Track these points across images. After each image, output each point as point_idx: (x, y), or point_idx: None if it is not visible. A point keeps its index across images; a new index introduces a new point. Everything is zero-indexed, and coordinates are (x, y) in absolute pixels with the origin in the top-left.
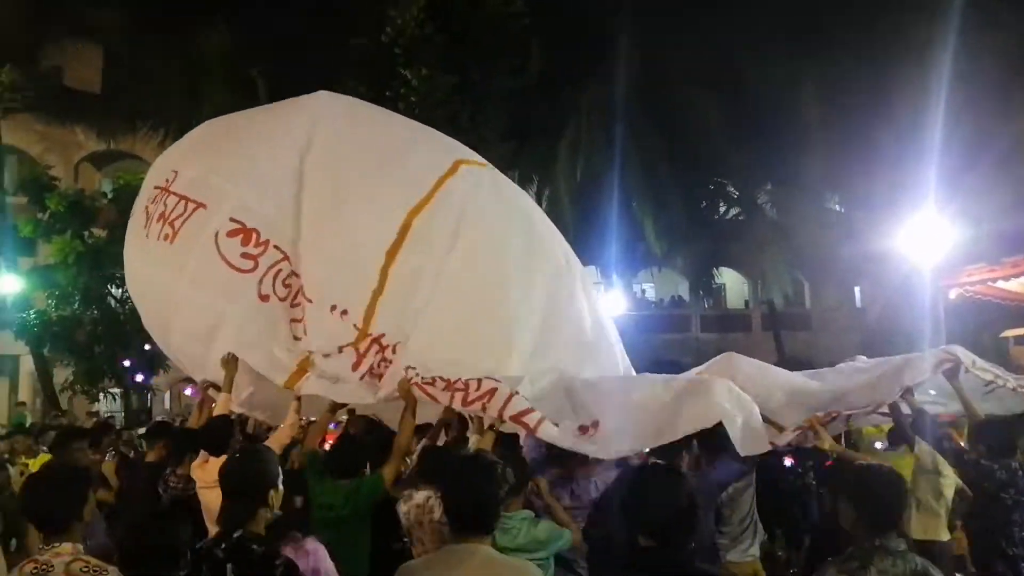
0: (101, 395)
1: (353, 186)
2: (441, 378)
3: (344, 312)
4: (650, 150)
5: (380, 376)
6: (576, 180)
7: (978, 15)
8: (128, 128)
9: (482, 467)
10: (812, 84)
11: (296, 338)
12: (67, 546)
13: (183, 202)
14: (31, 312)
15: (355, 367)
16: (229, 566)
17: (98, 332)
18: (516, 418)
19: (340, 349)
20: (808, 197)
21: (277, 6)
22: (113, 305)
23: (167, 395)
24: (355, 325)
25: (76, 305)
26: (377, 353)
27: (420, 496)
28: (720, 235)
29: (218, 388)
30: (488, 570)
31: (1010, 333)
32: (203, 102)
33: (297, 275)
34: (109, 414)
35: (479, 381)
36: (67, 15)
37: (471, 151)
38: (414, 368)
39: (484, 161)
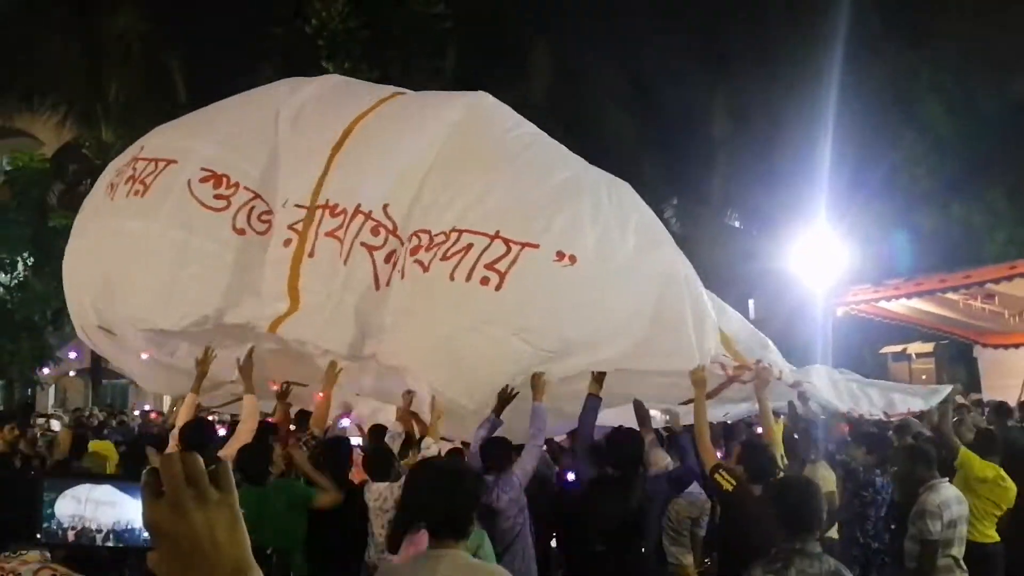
0: None
1: (312, 116)
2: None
3: (285, 201)
4: None
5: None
6: None
7: (864, 48)
8: (25, 107)
9: (454, 475)
10: (717, 104)
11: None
12: (35, 553)
13: (152, 163)
14: None
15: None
16: None
17: None
18: (490, 265)
19: (291, 227)
20: (710, 212)
21: None
22: (0, 293)
23: (52, 389)
24: (297, 204)
25: None
26: (340, 217)
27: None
28: None
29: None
30: (463, 574)
31: (889, 349)
32: (109, 84)
33: (273, 212)
34: None
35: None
36: None
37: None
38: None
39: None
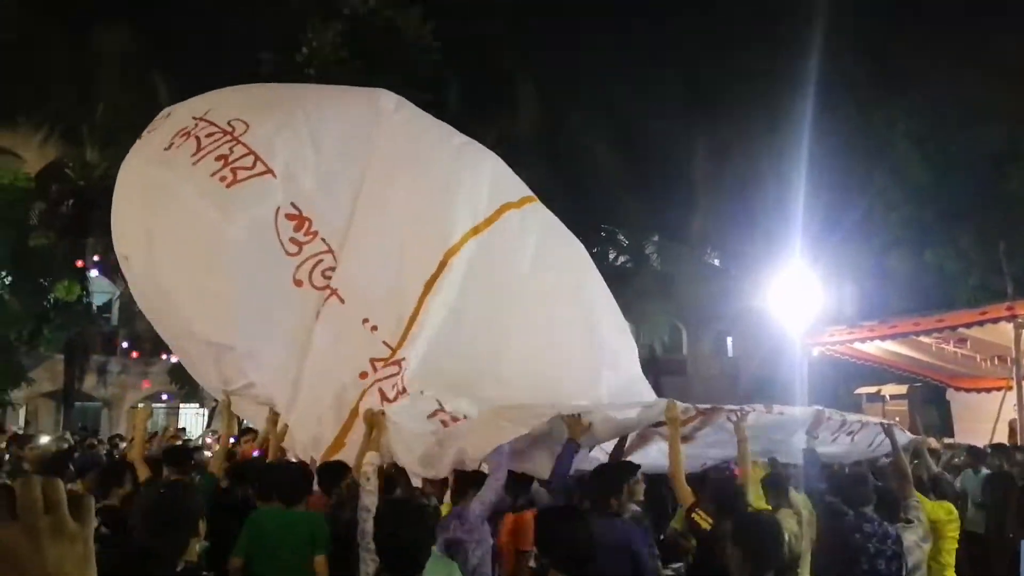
0: None
1: (403, 206)
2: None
3: (374, 328)
4: (547, 192)
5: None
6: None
7: (841, 93)
8: (7, 124)
9: (411, 510)
10: (698, 146)
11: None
12: None
13: (253, 157)
14: None
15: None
16: None
17: None
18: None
19: (372, 363)
20: (690, 251)
21: (182, 12)
22: None
23: (22, 411)
24: (385, 343)
25: None
26: (395, 376)
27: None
28: (608, 280)
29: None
30: None
31: (863, 390)
32: (96, 102)
33: (335, 270)
34: None
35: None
36: None
37: (516, 183)
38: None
39: (529, 195)
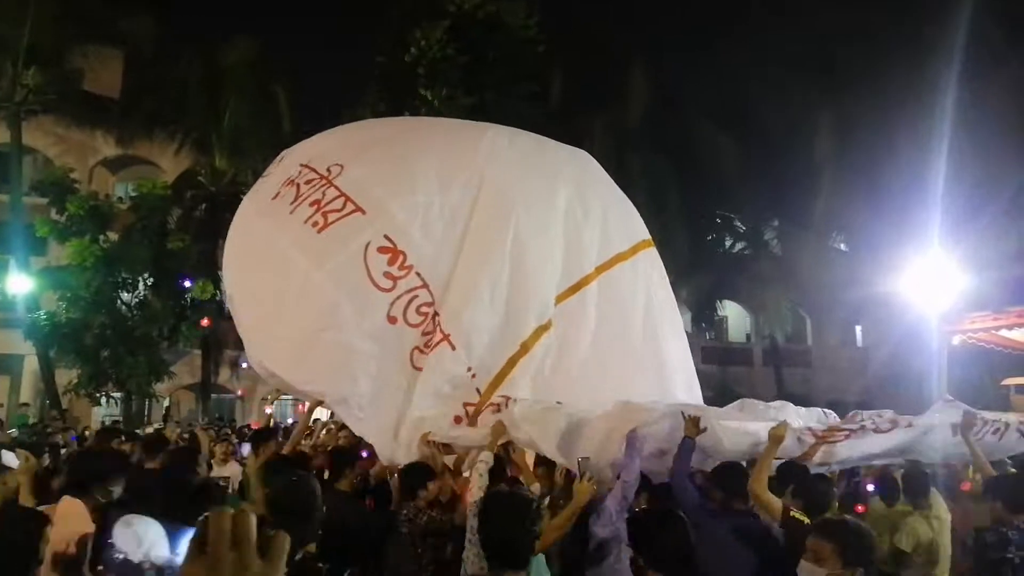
0: (103, 399)
1: (518, 248)
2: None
3: (474, 375)
4: (660, 179)
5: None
6: None
7: (984, 59)
8: (145, 135)
9: (516, 504)
10: (821, 124)
11: (416, 367)
12: None
13: (343, 199)
14: (41, 313)
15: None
16: None
17: (106, 336)
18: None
19: (464, 406)
20: (813, 236)
21: (301, 22)
22: (122, 310)
23: (167, 401)
24: (478, 389)
25: (86, 308)
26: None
27: None
28: (725, 268)
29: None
30: None
31: (1011, 381)
32: (222, 113)
33: (436, 310)
34: (109, 418)
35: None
36: (91, 19)
37: (634, 223)
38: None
39: (644, 238)
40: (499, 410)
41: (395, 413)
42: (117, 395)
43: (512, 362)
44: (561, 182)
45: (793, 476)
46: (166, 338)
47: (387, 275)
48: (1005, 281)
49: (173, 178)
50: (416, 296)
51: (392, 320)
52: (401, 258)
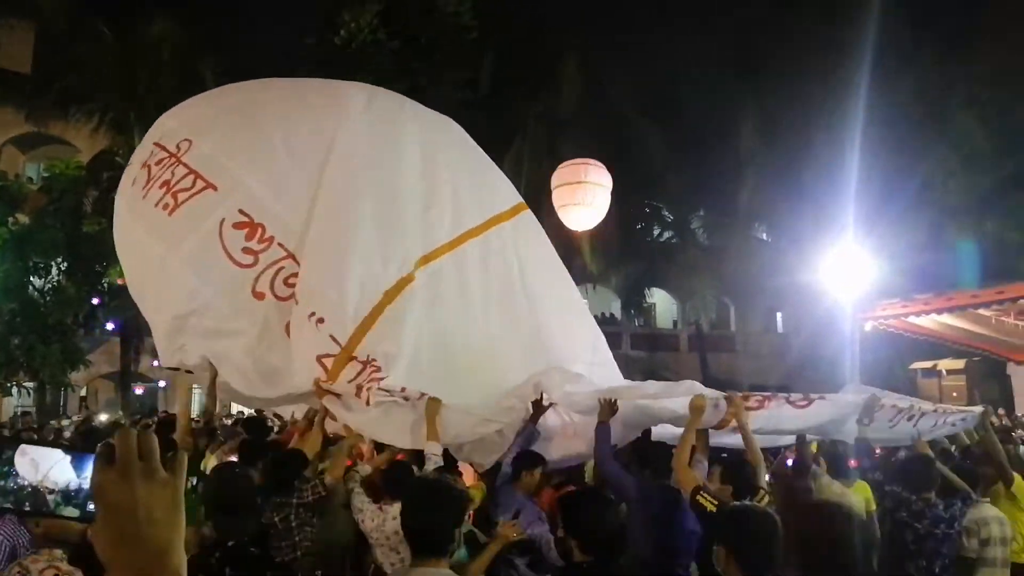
0: (14, 389)
1: (365, 213)
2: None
3: (320, 320)
4: None
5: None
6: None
7: (895, 60)
8: (60, 113)
9: (437, 491)
10: (745, 119)
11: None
12: (45, 552)
13: (192, 176)
14: None
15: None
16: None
17: (15, 323)
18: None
19: (320, 360)
20: (737, 225)
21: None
22: (34, 296)
23: (83, 391)
24: (332, 336)
25: None
26: (369, 372)
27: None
28: (653, 257)
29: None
30: None
31: (918, 365)
32: (143, 92)
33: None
34: (22, 409)
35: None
36: None
37: (504, 188)
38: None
39: (515, 205)
40: (367, 369)
41: (282, 390)
42: (30, 385)
43: (377, 311)
44: (420, 144)
45: (724, 461)
46: (81, 325)
47: (246, 251)
48: (913, 270)
49: (89, 158)
50: (282, 268)
51: (259, 296)
52: (260, 231)
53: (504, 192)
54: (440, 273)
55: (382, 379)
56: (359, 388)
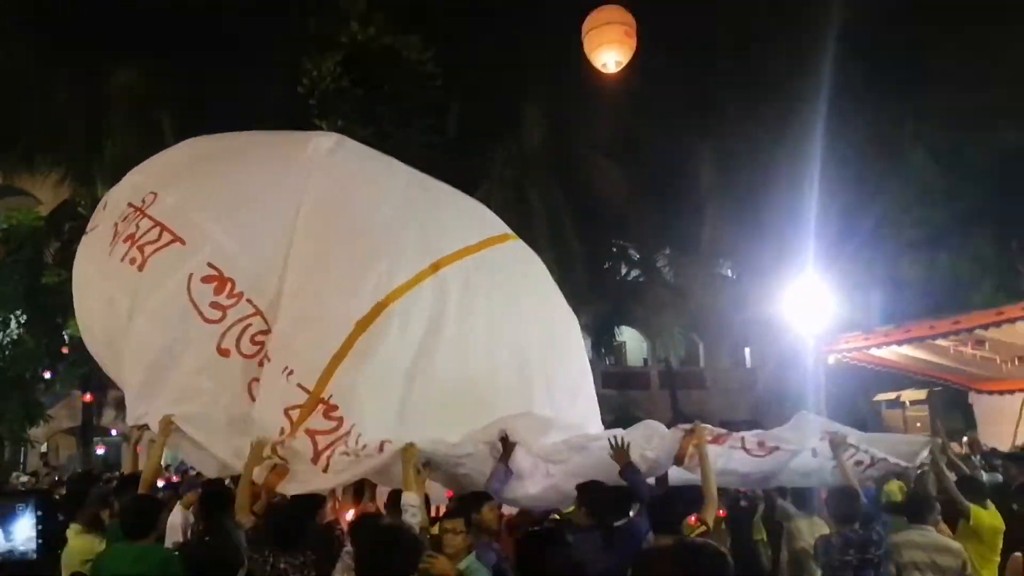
0: None
1: (338, 254)
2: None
3: (290, 372)
4: (556, 211)
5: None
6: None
7: (848, 99)
8: (25, 165)
9: (392, 537)
10: (706, 158)
11: (255, 400)
12: None
13: (158, 229)
14: None
15: (314, 458)
16: None
17: None
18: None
19: (286, 413)
20: (702, 262)
21: (189, 50)
22: None
23: (43, 447)
24: (300, 385)
25: None
26: (329, 423)
27: None
28: (621, 295)
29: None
30: None
31: (882, 397)
32: (105, 143)
33: (268, 333)
34: None
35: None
36: None
37: (484, 221)
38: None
39: (501, 233)
40: (324, 416)
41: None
42: None
43: (348, 343)
44: (391, 175)
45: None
46: (41, 379)
47: (214, 305)
48: (873, 303)
49: (51, 210)
50: (249, 325)
51: (224, 352)
52: (229, 286)
53: (488, 220)
54: (417, 300)
55: (341, 436)
56: (316, 452)
